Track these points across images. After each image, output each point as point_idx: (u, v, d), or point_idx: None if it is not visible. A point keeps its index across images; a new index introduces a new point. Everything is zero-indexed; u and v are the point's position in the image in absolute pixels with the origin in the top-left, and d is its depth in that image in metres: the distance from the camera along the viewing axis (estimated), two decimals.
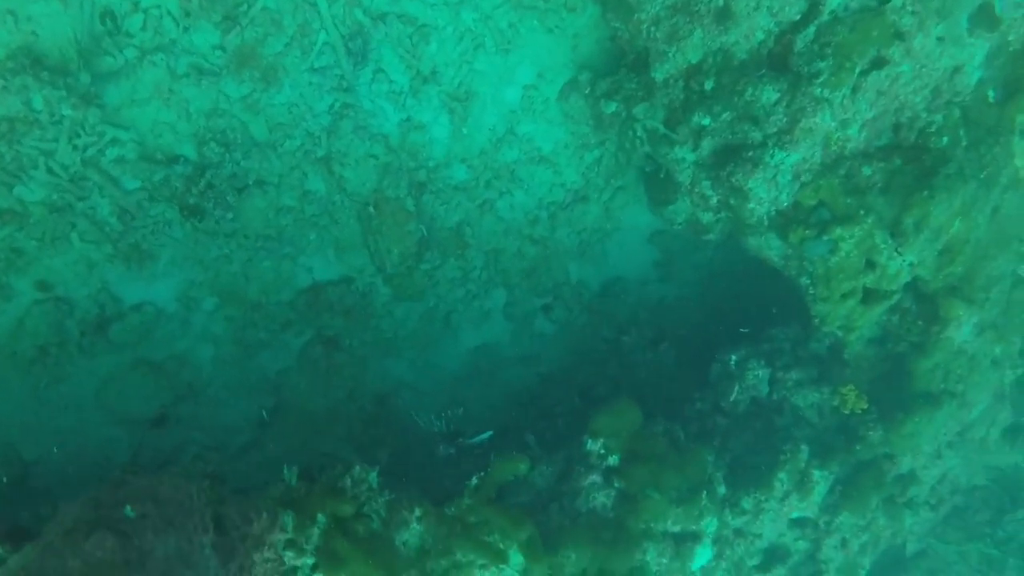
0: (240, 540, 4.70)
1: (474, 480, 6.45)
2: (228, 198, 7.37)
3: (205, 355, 8.07)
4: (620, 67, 7.82)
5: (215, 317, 7.98)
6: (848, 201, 7.47)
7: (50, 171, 6.72)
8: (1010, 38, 7.18)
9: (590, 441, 7.21)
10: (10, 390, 7.29)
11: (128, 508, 4.22)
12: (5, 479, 7.42)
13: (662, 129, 7.57)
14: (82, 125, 6.72)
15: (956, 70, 7.22)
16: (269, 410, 8.55)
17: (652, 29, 7.29)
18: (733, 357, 8.41)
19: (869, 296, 7.62)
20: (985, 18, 7.10)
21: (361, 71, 7.56)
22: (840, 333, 7.91)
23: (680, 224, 8.48)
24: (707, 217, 8.03)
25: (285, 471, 5.58)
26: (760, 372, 8.27)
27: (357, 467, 5.75)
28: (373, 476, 5.88)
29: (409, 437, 8.69)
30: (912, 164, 7.40)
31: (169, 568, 4.07)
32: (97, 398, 7.67)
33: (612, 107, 7.87)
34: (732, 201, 7.58)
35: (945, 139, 7.39)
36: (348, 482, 5.69)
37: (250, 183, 7.51)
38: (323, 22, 7.24)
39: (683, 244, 9.34)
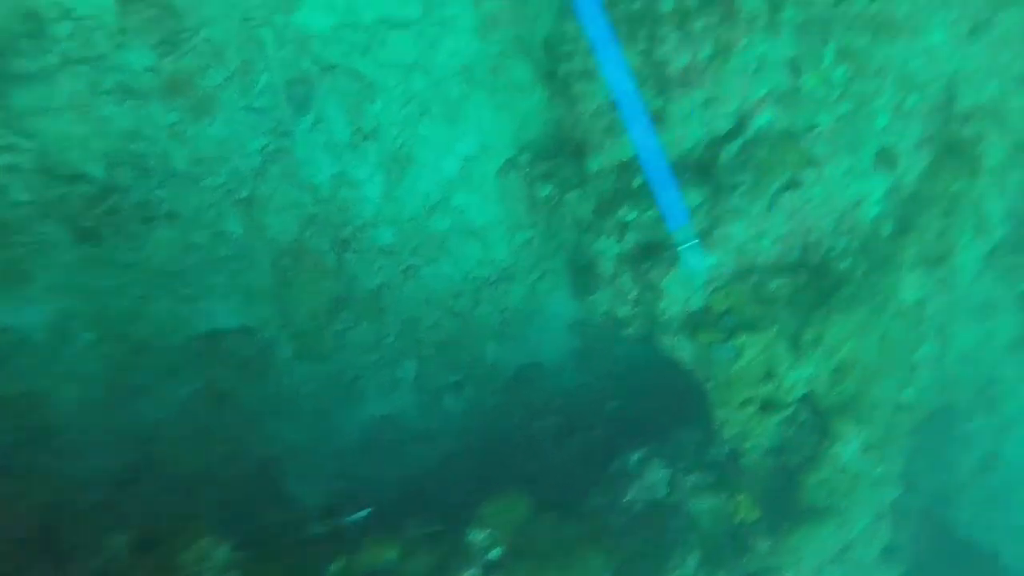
0: None
1: (334, 566, 5.99)
2: (131, 226, 6.88)
3: (68, 395, 7.35)
4: (560, 153, 7.78)
5: (89, 354, 7.32)
6: (755, 310, 7.57)
7: None
8: (906, 179, 7.58)
9: (475, 531, 6.91)
10: None
11: None
12: None
13: (589, 218, 7.52)
14: None
15: (859, 201, 7.55)
16: (131, 466, 7.85)
17: (592, 120, 7.36)
18: (635, 455, 8.34)
19: (766, 406, 7.70)
20: (886, 158, 7.48)
21: (301, 118, 7.29)
22: (738, 441, 7.90)
23: (600, 315, 8.41)
24: (624, 311, 8.04)
25: (106, 538, 5.01)
26: (660, 473, 8.20)
27: (206, 539, 5.22)
28: (223, 552, 5.37)
29: (286, 509, 8.13)
30: (815, 282, 7.68)
31: None
32: None
33: (547, 190, 7.85)
34: (647, 297, 7.59)
35: (846, 263, 7.67)
36: (190, 557, 5.15)
37: (160, 214, 7.05)
38: (268, 63, 6.97)
39: (603, 336, 9.23)
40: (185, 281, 7.51)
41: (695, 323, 7.71)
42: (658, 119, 7.25)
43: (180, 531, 5.42)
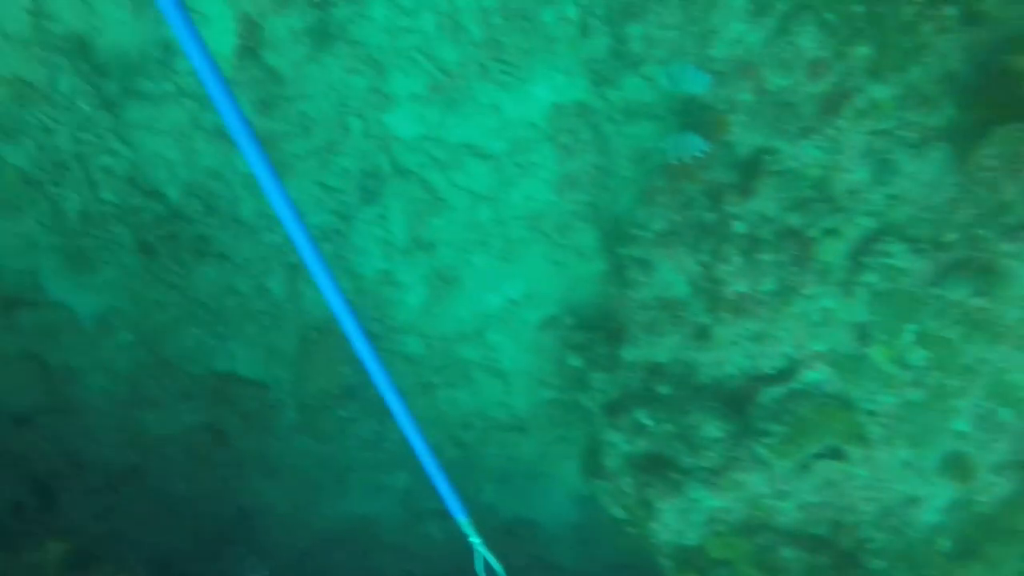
0: None
1: None
2: (184, 255, 7.44)
3: (96, 382, 8.01)
4: (600, 328, 7.60)
5: (124, 353, 7.98)
6: (755, 575, 6.87)
7: (40, 147, 7.00)
8: (980, 498, 6.59)
9: None
10: None
11: None
12: None
13: (596, 409, 7.24)
14: (91, 123, 7.02)
15: (913, 501, 6.65)
16: (126, 468, 8.33)
17: (637, 311, 7.12)
18: None
19: None
20: (958, 466, 6.57)
21: (365, 208, 7.64)
22: None
23: (603, 503, 8.01)
24: (620, 514, 7.57)
25: (50, 544, 5.28)
26: None
27: None
28: None
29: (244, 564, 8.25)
30: (840, 570, 6.77)
31: None
32: None
33: (577, 362, 7.67)
34: (642, 511, 7.11)
35: (881, 564, 6.75)
36: None
37: (213, 252, 7.59)
38: (350, 150, 7.39)
39: (609, 522, 8.74)
40: (219, 319, 8.00)
41: (684, 560, 7.12)
42: (702, 335, 6.90)
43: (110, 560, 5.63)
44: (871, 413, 6.46)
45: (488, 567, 5.79)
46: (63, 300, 7.80)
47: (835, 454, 6.57)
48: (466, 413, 8.57)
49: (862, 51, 6.38)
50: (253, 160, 3.12)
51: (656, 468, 7.09)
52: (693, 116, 7.07)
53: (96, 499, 8.47)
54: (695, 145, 6.83)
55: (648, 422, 7.16)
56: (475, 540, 5.62)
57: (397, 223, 7.79)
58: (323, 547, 9.05)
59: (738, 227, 6.80)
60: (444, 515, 8.94)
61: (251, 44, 7.25)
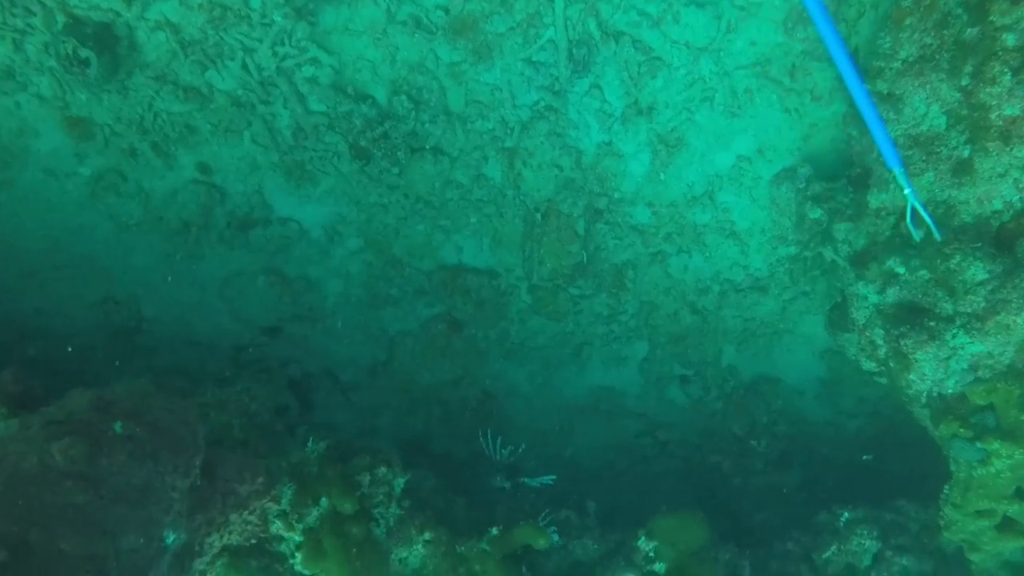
0: (222, 494, 4.71)
1: (494, 530, 6.21)
2: (399, 153, 7.44)
3: (334, 288, 8.31)
4: (842, 176, 7.07)
5: (355, 258, 8.20)
6: (1021, 417, 6.43)
7: (244, 67, 7.05)
8: None
9: (643, 539, 6.80)
10: (150, 251, 7.88)
11: (118, 425, 4.24)
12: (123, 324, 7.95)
13: (841, 262, 6.81)
14: (288, 35, 6.98)
15: None
16: (375, 363, 8.65)
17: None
18: (846, 514, 7.77)
19: (1008, 527, 6.60)
20: None
21: (578, 81, 7.30)
22: (967, 550, 6.91)
23: (852, 356, 7.68)
24: (870, 366, 7.25)
25: (310, 443, 5.58)
26: (868, 542, 7.58)
27: (384, 468, 5.67)
28: (399, 483, 5.83)
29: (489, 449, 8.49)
30: None
31: (122, 497, 4.09)
32: (222, 287, 8.16)
33: (817, 213, 7.22)
34: (895, 363, 6.74)
35: None
36: (366, 479, 5.62)
37: (426, 147, 7.52)
38: (555, 19, 7.01)
39: (856, 372, 8.43)
40: (442, 213, 8.03)
41: (942, 408, 6.74)
42: (962, 170, 6.27)
43: (367, 452, 5.95)
44: None
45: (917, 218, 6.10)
46: (290, 215, 7.99)
47: None
48: (701, 279, 8.37)
49: None
50: None
51: (911, 317, 6.65)
52: None
53: (348, 395, 8.90)
54: None
55: (900, 270, 6.69)
56: (908, 191, 6.01)
57: (613, 91, 7.43)
58: (568, 420, 9.23)
59: (1008, 40, 6.01)
60: (684, 382, 8.99)
61: None
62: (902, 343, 6.61)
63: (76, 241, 7.78)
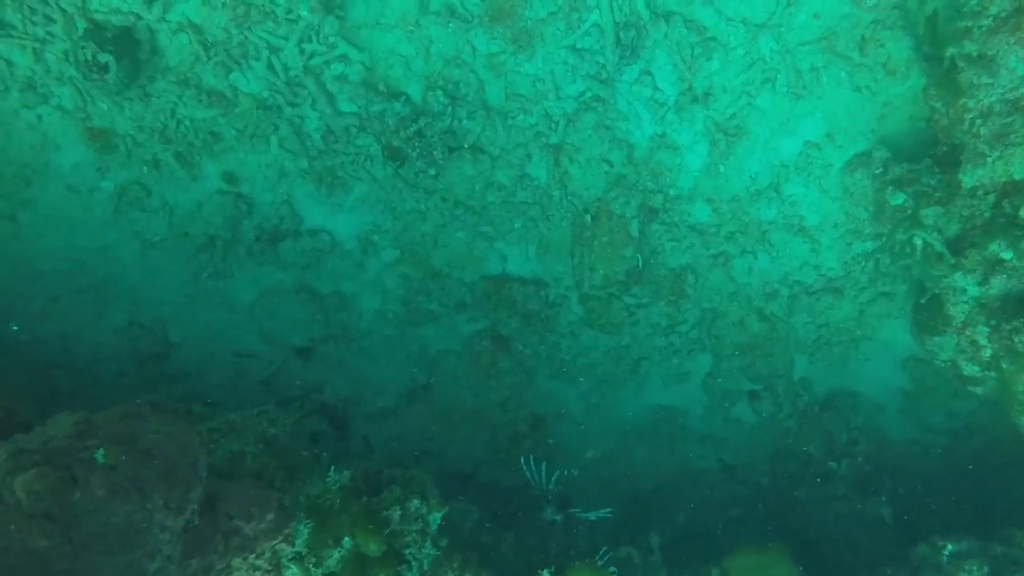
0: (224, 534, 4.09)
1: (546, 573, 5.54)
2: (435, 153, 6.95)
3: (370, 305, 7.88)
4: (925, 156, 6.40)
5: (391, 271, 7.73)
6: None
7: (270, 67, 6.65)
8: None
9: None
10: (174, 269, 7.46)
11: (100, 452, 3.66)
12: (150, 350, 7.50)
13: (938, 247, 6.10)
14: (316, 31, 6.58)
15: None
16: (414, 386, 8.10)
17: (977, 122, 5.87)
18: (949, 546, 6.93)
19: None
20: None
21: (626, 67, 6.80)
22: None
23: (942, 362, 6.93)
24: (972, 370, 6.50)
25: (331, 473, 4.95)
26: None
27: (416, 501, 5.01)
28: (435, 518, 5.15)
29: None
30: None
31: (97, 541, 3.49)
32: (251, 307, 7.70)
33: (899, 199, 6.54)
34: (1006, 365, 5.98)
35: None
36: (396, 514, 4.96)
37: (465, 146, 7.05)
38: (599, 1, 6.46)
39: (943, 383, 7.75)
40: (484, 218, 7.53)
41: None
42: None
43: (398, 483, 5.31)
44: None
45: None
46: (322, 225, 7.52)
47: None
48: (768, 281, 7.70)
49: None
50: None
51: None
52: None
53: (386, 420, 8.35)
54: None
55: (1007, 255, 6.00)
56: None
57: (665, 77, 6.89)
58: (625, 444, 8.55)
59: None
60: (753, 398, 8.26)
61: None
62: (1016, 339, 5.89)
63: (100, 262, 7.37)
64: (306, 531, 4.76)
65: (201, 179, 7.19)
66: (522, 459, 7.56)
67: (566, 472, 7.46)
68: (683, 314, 7.89)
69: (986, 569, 6.67)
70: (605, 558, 6.53)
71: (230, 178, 7.20)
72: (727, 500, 8.69)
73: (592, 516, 7.20)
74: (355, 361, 8.16)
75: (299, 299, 7.71)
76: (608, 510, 7.25)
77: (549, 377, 8.28)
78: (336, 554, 4.85)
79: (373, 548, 4.89)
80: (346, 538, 4.88)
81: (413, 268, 7.77)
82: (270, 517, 4.42)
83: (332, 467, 5.10)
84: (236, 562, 4.29)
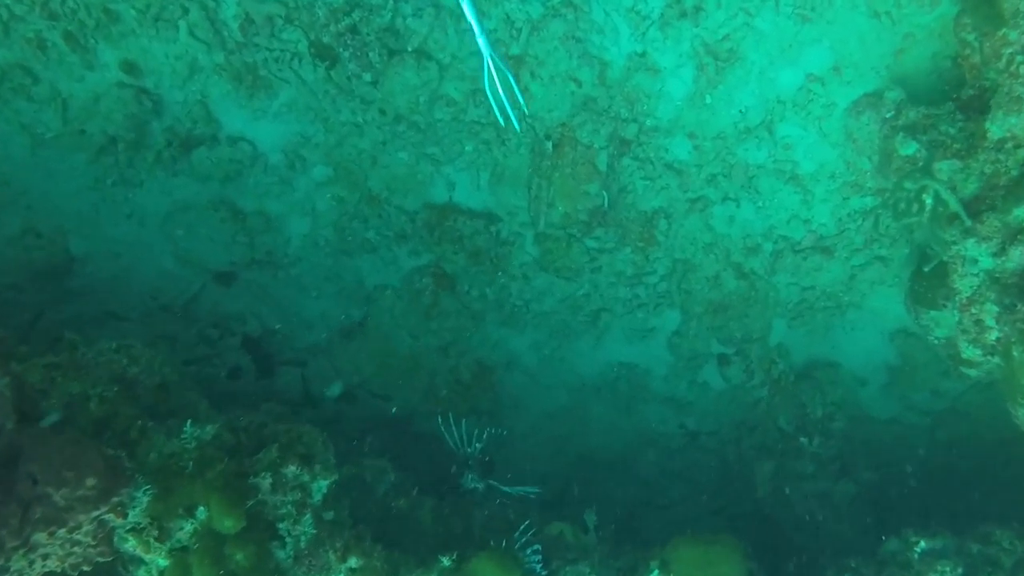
0: (22, 503, 3.18)
1: (446, 561, 4.72)
2: (371, 55, 5.95)
3: (298, 228, 6.93)
4: (948, 100, 5.47)
5: (323, 191, 6.81)
6: None
7: None
8: None
9: (656, 572, 5.34)
10: (74, 172, 6.49)
11: None
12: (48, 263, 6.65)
13: (953, 205, 5.23)
14: None
15: None
16: (349, 323, 7.26)
17: (1018, 59, 4.93)
18: (922, 543, 6.22)
19: None
20: None
21: None
22: None
23: (936, 339, 6.13)
24: (972, 352, 5.71)
25: (187, 427, 4.05)
26: None
27: (293, 467, 4.12)
28: (319, 487, 4.27)
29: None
30: None
31: None
32: (164, 222, 6.74)
33: (911, 148, 5.64)
34: (1016, 353, 5.17)
35: None
36: (267, 482, 4.08)
37: (408, 49, 6.02)
38: None
39: (933, 360, 7.01)
40: (429, 138, 6.56)
41: None
42: None
43: (283, 441, 4.44)
44: None
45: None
46: (242, 133, 6.54)
47: None
48: (750, 233, 6.84)
49: None
50: None
51: None
52: None
53: (317, 358, 7.53)
54: None
55: None
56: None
57: None
58: (580, 402, 7.79)
59: None
60: (723, 362, 7.45)
61: None
62: None
63: None
64: (145, 499, 3.87)
65: (97, 67, 6.14)
66: (439, 416, 6.73)
67: (495, 431, 6.67)
68: (652, 263, 7.03)
69: (960, 570, 6.03)
70: (528, 534, 5.78)
71: (131, 68, 6.15)
72: (687, 469, 8.01)
73: (513, 492, 6.42)
74: (283, 291, 7.28)
75: (218, 216, 6.77)
76: (534, 488, 6.48)
77: (498, 324, 7.43)
78: (188, 526, 3.97)
79: (228, 524, 4.02)
80: (200, 508, 4.01)
81: (348, 190, 6.82)
82: (91, 482, 3.53)
83: (189, 421, 4.18)
84: (39, 538, 3.40)
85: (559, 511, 6.42)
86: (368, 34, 5.90)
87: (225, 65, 6.17)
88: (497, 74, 4.35)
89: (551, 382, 7.79)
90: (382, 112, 6.36)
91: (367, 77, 6.13)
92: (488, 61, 4.38)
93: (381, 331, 7.40)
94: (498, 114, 4.59)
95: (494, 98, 4.41)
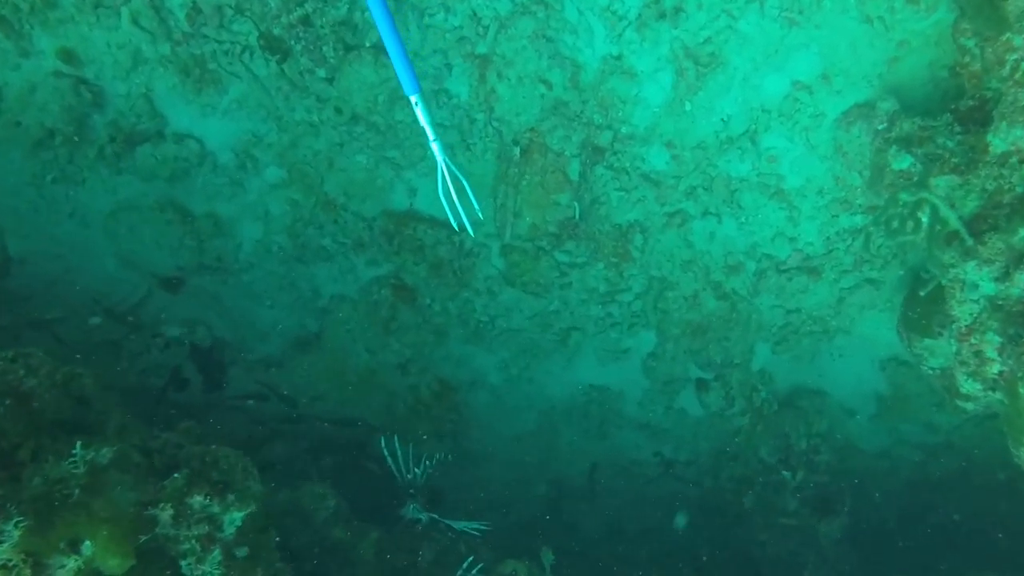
0: None
1: None
2: (325, 49, 5.52)
3: (250, 233, 6.53)
4: (945, 111, 5.07)
5: (276, 193, 6.42)
6: None
7: None
8: None
9: None
10: (9, 167, 6.14)
11: None
12: None
13: (953, 223, 4.82)
14: None
15: None
16: (303, 334, 6.85)
17: (1020, 70, 4.49)
18: None
19: None
20: None
21: None
22: None
23: (931, 370, 5.72)
24: (971, 387, 5.29)
25: (77, 449, 3.60)
26: None
27: (199, 497, 3.69)
28: (232, 519, 3.82)
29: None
30: None
31: None
32: (108, 222, 6.37)
33: (905, 163, 5.24)
34: (1023, 390, 4.75)
35: None
36: (168, 514, 3.62)
37: (366, 44, 5.59)
38: None
39: (926, 391, 6.68)
40: (389, 140, 6.13)
41: None
42: None
43: (196, 466, 4.00)
44: None
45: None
46: (189, 129, 6.13)
47: None
48: (732, 251, 6.45)
49: None
50: None
51: None
52: None
53: (269, 371, 7.11)
54: None
55: None
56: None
57: None
58: (548, 426, 7.38)
59: None
60: (701, 388, 7.04)
61: None
62: None
63: None
64: (16, 532, 3.41)
65: (33, 55, 5.76)
66: (382, 439, 6.29)
67: (440, 456, 6.26)
68: (626, 280, 6.63)
69: None
70: (473, 572, 5.35)
71: (69, 56, 5.76)
72: (662, 499, 7.59)
73: (458, 526, 5.98)
74: (234, 299, 6.86)
75: (164, 218, 6.36)
76: (480, 524, 6.04)
77: (462, 340, 7.00)
78: (71, 563, 3.51)
79: (113, 563, 3.55)
80: (87, 542, 3.55)
81: (302, 193, 6.42)
82: None
83: (79, 443, 3.71)
84: None
85: (525, 541, 6.00)
86: (322, 27, 5.50)
87: (171, 57, 5.78)
88: (451, 178, 4.55)
89: (519, 404, 7.38)
90: (338, 111, 5.94)
91: (321, 73, 5.73)
92: (441, 166, 4.55)
93: (337, 345, 7.00)
94: (451, 218, 4.84)
95: (447, 201, 4.64)
